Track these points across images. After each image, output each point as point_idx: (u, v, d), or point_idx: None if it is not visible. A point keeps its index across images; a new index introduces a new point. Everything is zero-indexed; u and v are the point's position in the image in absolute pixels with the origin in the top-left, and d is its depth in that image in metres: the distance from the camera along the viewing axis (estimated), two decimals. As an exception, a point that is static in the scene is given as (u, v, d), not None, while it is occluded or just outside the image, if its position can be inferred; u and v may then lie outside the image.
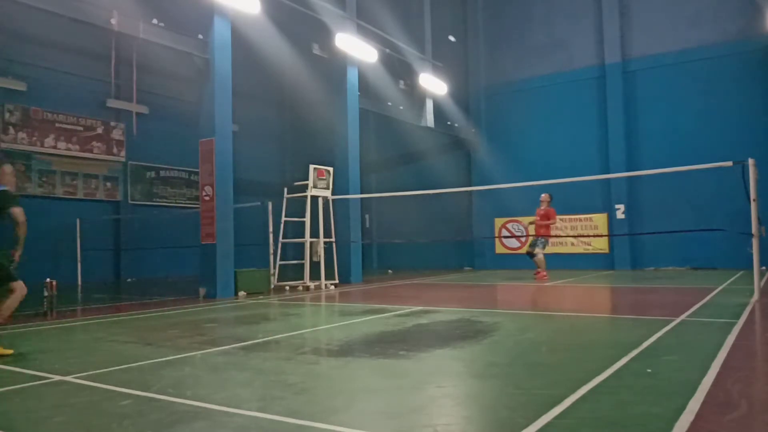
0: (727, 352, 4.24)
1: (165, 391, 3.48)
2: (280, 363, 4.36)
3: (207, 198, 10.28)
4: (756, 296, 7.33)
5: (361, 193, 14.48)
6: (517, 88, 18.31)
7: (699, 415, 2.75)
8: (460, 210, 19.13)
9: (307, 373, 3.97)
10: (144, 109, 17.14)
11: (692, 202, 14.92)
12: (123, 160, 17.10)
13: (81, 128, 15.97)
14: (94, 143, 16.30)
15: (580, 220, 16.91)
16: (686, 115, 15.53)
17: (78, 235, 15.21)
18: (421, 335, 5.60)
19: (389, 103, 15.91)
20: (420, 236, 18.45)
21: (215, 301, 9.45)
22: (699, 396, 3.08)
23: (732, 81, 15.01)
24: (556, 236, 16.62)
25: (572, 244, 16.89)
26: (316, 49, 13.17)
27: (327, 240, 12.24)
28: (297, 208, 12.45)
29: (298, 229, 12.77)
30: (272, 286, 11.62)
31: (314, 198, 12.00)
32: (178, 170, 19.00)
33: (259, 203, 12.79)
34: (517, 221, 17.95)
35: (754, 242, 7.37)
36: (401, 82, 16.03)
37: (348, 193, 13.06)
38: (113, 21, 8.82)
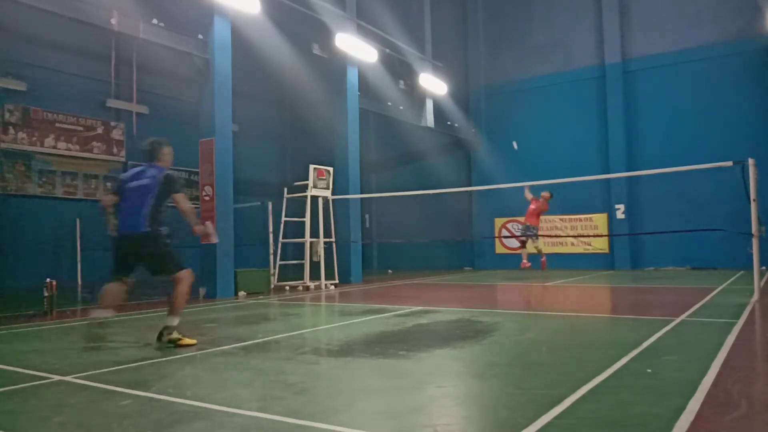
0: (727, 352, 4.24)
1: (165, 391, 3.48)
2: (280, 363, 4.36)
3: (207, 198, 10.28)
4: (756, 296, 7.33)
5: (361, 193, 14.47)
6: (517, 88, 18.31)
7: (699, 415, 2.75)
8: (460, 210, 19.12)
9: (307, 373, 3.97)
10: (144, 109, 17.12)
11: (692, 202, 14.92)
12: (123, 160, 17.06)
13: (81, 128, 15.96)
14: (94, 143, 16.29)
15: (580, 220, 16.92)
16: (686, 115, 15.52)
17: (78, 235, 15.19)
18: (421, 335, 5.60)
19: (389, 103, 15.90)
20: (420, 236, 18.44)
21: (215, 301, 9.45)
22: (699, 396, 3.08)
23: (732, 81, 15.00)
24: (556, 236, 16.67)
25: (572, 244, 16.90)
26: (316, 49, 13.17)
27: (327, 240, 12.24)
28: (297, 208, 12.45)
29: (298, 229, 12.76)
30: (272, 286, 11.62)
31: (314, 198, 12.00)
32: (178, 170, 18.93)
33: (259, 203, 12.79)
34: (517, 221, 17.91)
35: (754, 242, 7.38)
36: (401, 82, 16.02)
37: (348, 193, 13.05)
38: (113, 21, 8.82)
